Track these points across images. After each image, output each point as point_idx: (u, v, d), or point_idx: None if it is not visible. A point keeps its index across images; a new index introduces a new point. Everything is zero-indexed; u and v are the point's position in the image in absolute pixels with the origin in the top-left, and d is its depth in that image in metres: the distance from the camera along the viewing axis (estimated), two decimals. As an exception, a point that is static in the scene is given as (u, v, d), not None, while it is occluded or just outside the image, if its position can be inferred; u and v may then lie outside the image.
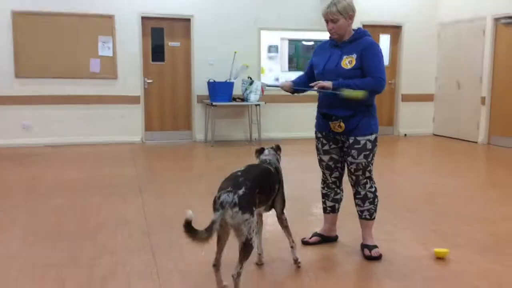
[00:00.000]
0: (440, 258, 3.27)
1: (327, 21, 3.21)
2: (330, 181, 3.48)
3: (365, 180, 3.28)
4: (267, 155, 3.19)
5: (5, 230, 3.83)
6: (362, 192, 3.30)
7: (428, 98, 9.99)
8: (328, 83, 3.13)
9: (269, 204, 3.02)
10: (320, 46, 3.44)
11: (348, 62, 3.18)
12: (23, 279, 2.91)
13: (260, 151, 3.27)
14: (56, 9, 7.94)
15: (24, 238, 3.63)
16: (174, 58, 8.76)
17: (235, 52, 8.43)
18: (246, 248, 2.57)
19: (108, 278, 2.94)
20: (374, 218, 3.34)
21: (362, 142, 3.20)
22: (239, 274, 2.56)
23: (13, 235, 3.72)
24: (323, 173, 3.50)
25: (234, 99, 8.53)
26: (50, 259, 3.23)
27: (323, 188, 3.54)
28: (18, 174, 5.89)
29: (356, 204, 3.36)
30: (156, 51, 8.67)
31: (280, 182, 3.08)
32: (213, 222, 2.47)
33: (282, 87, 3.43)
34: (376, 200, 3.32)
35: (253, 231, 2.58)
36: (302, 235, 3.64)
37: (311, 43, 11.95)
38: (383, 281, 2.94)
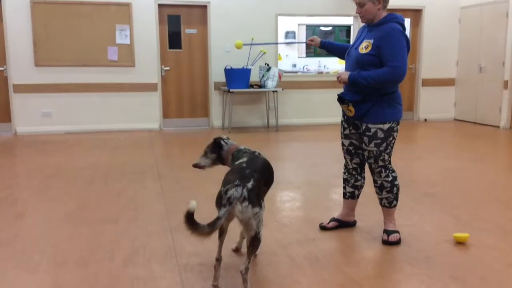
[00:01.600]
0: (460, 243, 3.24)
1: (356, 4, 3.19)
2: (351, 167, 3.46)
3: (379, 169, 3.23)
4: (235, 145, 2.95)
5: (28, 215, 3.91)
6: (379, 181, 3.27)
7: (449, 82, 9.82)
8: (345, 76, 3.15)
9: None
10: (362, 26, 3.38)
11: (365, 46, 3.14)
12: (46, 263, 2.98)
13: (218, 144, 2.93)
14: (74, -2, 8.01)
15: (46, 223, 3.70)
16: (191, 45, 8.76)
17: (252, 39, 8.38)
18: (255, 242, 2.49)
19: (129, 261, 2.99)
20: (394, 206, 3.31)
21: (373, 130, 3.16)
22: (247, 269, 2.47)
23: (36, 220, 3.80)
24: (344, 158, 3.48)
25: (252, 86, 8.51)
26: (72, 243, 3.29)
27: (344, 173, 3.53)
28: (40, 160, 6.00)
29: (376, 192, 3.34)
30: (173, 38, 8.68)
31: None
32: (218, 218, 2.35)
33: (310, 42, 3.62)
34: (394, 189, 3.26)
35: (261, 224, 2.50)
36: (320, 220, 3.65)
37: (329, 28, 11.83)
38: (403, 266, 2.93)
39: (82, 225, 3.64)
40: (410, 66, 9.61)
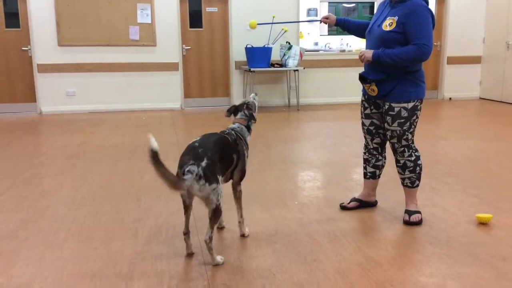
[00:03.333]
0: (483, 223, 3.21)
1: None
2: (372, 147, 3.43)
3: (402, 149, 3.20)
4: (238, 119, 3.07)
5: (53, 193, 4.01)
6: (401, 161, 3.24)
7: (475, 60, 9.59)
8: (369, 54, 3.08)
9: (227, 174, 2.92)
10: (382, 2, 3.31)
11: (389, 24, 3.07)
12: (71, 240, 3.06)
13: (234, 112, 3.12)
14: (95, -23, 8.03)
15: (71, 201, 3.79)
16: (211, 24, 8.72)
17: (273, 17, 8.29)
18: (216, 214, 2.64)
19: (153, 239, 3.05)
20: (416, 186, 3.28)
21: (397, 109, 3.11)
22: (211, 238, 2.64)
23: (61, 198, 3.89)
24: (365, 138, 3.45)
25: (273, 65, 8.46)
26: (97, 221, 3.37)
27: (364, 153, 3.50)
28: (64, 139, 6.11)
29: (398, 172, 3.31)
30: (194, 17, 8.65)
31: (239, 152, 2.93)
32: (183, 180, 2.49)
33: (324, 20, 3.46)
34: (417, 169, 3.23)
35: (221, 197, 2.62)
36: (340, 200, 3.65)
37: (352, 4, 11.61)
38: (424, 246, 2.92)
39: (106, 203, 3.72)
40: (435, 44, 9.39)
